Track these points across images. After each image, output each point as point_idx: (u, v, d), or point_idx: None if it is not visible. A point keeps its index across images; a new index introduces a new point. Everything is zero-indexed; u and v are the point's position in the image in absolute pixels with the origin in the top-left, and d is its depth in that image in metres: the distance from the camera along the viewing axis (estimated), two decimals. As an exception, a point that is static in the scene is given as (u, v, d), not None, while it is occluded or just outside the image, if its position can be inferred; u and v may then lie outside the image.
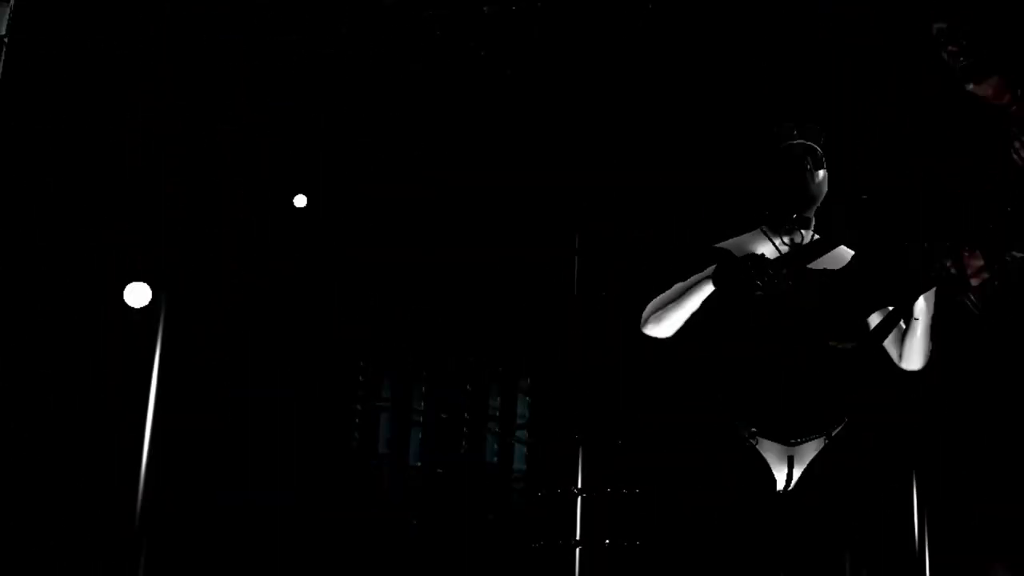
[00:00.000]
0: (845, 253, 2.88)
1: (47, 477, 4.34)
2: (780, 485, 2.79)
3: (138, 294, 4.42)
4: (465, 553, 5.71)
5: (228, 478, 4.90)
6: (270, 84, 5.04)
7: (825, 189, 2.90)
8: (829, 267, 2.82)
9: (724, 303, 2.80)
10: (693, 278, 2.87)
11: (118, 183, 4.58)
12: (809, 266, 2.81)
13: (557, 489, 5.58)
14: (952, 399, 4.70)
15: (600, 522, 5.53)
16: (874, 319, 2.86)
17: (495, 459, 6.12)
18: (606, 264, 5.92)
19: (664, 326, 2.92)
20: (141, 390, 4.49)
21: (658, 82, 5.09)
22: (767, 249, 2.86)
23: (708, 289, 2.81)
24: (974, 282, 2.24)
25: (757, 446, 2.77)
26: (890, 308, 2.74)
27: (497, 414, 6.20)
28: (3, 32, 3.85)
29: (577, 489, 5.61)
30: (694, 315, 2.87)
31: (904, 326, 2.84)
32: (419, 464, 5.87)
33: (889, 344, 2.89)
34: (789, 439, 2.75)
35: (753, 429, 2.77)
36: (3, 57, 3.84)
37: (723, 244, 2.91)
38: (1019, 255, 2.15)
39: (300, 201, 5.32)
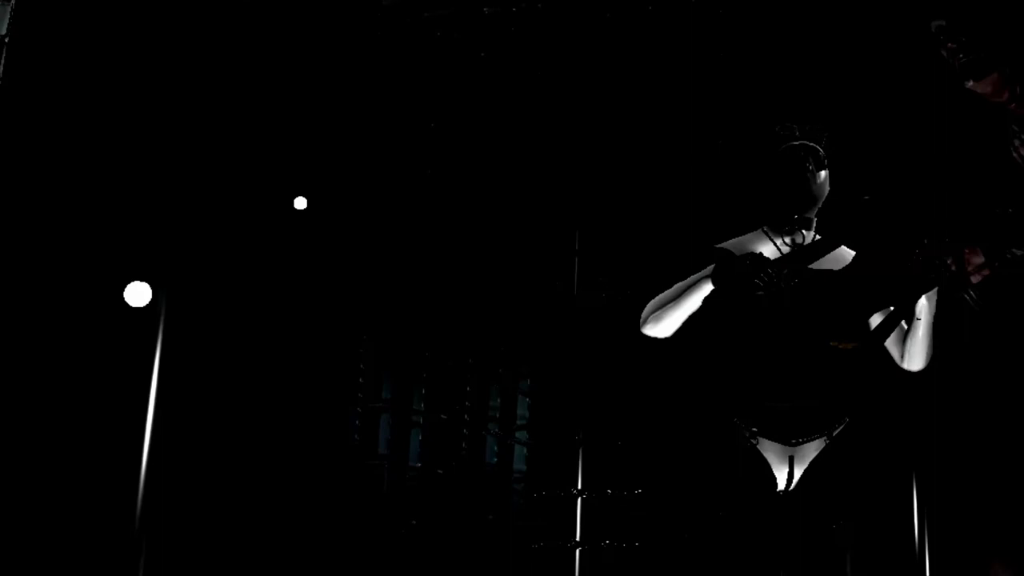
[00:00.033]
0: (846, 254, 2.88)
1: (47, 477, 4.33)
2: (781, 485, 2.79)
3: (138, 294, 4.43)
4: (465, 553, 5.71)
5: (228, 478, 4.90)
6: (270, 84, 5.04)
7: (827, 190, 2.91)
8: (830, 267, 2.82)
9: (724, 303, 2.80)
10: (692, 278, 2.87)
11: (119, 182, 4.58)
12: (810, 266, 2.81)
13: (560, 492, 5.58)
14: (952, 399, 4.70)
15: (600, 522, 5.53)
16: (875, 319, 2.86)
17: (495, 460, 6.12)
18: (606, 264, 5.92)
19: (663, 326, 2.92)
20: (141, 390, 4.49)
21: (659, 82, 5.09)
22: (768, 249, 2.87)
23: (707, 289, 2.81)
24: (974, 279, 2.25)
25: (758, 446, 2.77)
26: (891, 308, 2.74)
27: (497, 415, 6.20)
28: (4, 31, 3.86)
29: (577, 490, 5.61)
30: (696, 315, 2.88)
31: (906, 326, 2.85)
32: (419, 465, 5.87)
33: (891, 344, 2.89)
34: (790, 439, 2.76)
35: (754, 429, 2.77)
36: (4, 56, 3.84)
37: (724, 244, 2.92)
38: (1019, 252, 2.15)
39: (300, 203, 5.32)
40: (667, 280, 2.92)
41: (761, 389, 2.77)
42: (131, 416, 4.46)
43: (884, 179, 4.93)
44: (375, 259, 5.68)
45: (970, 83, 2.14)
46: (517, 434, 6.25)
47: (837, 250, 2.88)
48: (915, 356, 2.86)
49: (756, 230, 2.95)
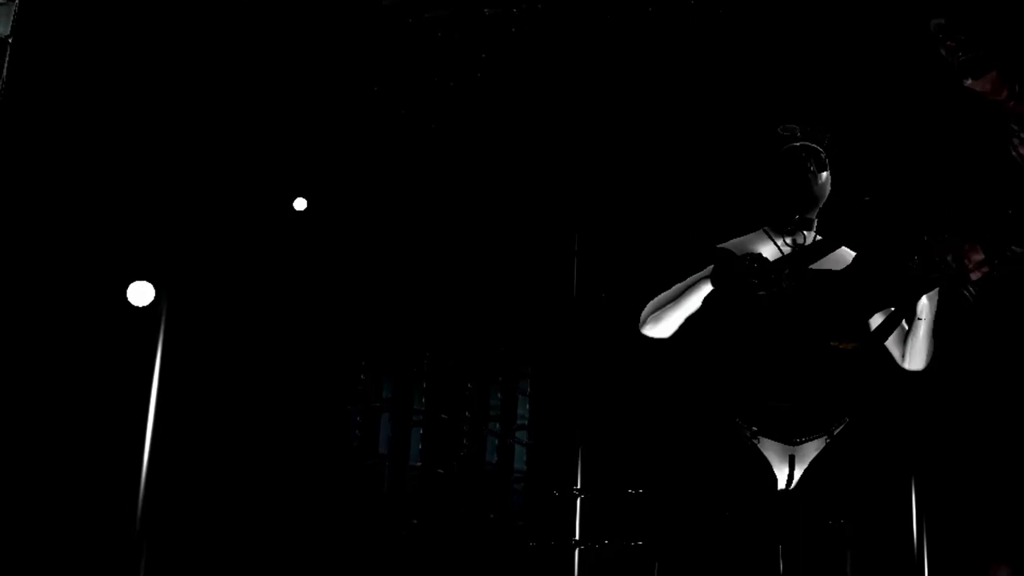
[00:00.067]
0: (847, 254, 2.89)
1: (47, 477, 4.34)
2: (781, 484, 2.80)
3: (141, 293, 4.43)
4: (465, 553, 5.71)
5: (228, 478, 4.90)
6: (271, 85, 5.04)
7: (828, 190, 2.92)
8: (831, 268, 2.83)
9: (724, 303, 2.81)
10: (691, 278, 2.88)
11: (121, 182, 4.58)
12: (811, 267, 2.82)
13: (560, 491, 5.59)
14: (952, 399, 4.71)
15: (600, 522, 5.54)
16: (876, 319, 2.87)
17: (495, 459, 6.11)
18: (605, 265, 5.93)
19: (662, 326, 2.93)
20: (142, 389, 4.49)
21: (659, 83, 5.09)
22: (769, 250, 2.87)
23: (706, 289, 2.82)
24: (974, 276, 2.26)
25: (759, 445, 2.78)
26: (892, 309, 2.75)
27: (497, 414, 6.20)
28: (7, 32, 3.87)
29: (577, 489, 5.62)
30: (697, 314, 2.88)
31: (907, 327, 2.86)
32: (419, 464, 5.86)
33: (892, 344, 2.90)
34: (791, 438, 2.76)
35: (755, 428, 2.78)
36: (7, 57, 3.85)
37: (725, 244, 2.92)
38: (1019, 250, 2.16)
39: (300, 204, 5.33)
40: (667, 280, 2.93)
41: (762, 388, 2.77)
42: (132, 415, 4.46)
43: (885, 180, 4.94)
44: (376, 259, 5.68)
45: (969, 81, 2.15)
46: (517, 434, 6.25)
47: (838, 251, 2.89)
48: (916, 356, 2.87)
49: (757, 230, 2.96)
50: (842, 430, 2.79)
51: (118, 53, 4.47)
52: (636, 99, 5.24)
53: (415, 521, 5.63)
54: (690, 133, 5.25)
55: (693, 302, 2.86)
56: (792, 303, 2.74)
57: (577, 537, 5.53)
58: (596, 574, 5.47)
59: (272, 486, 5.08)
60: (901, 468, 5.16)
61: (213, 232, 4.95)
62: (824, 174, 2.90)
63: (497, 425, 6.15)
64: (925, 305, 2.78)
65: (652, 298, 2.96)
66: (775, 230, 2.92)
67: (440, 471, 5.81)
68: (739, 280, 2.68)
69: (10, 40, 3.82)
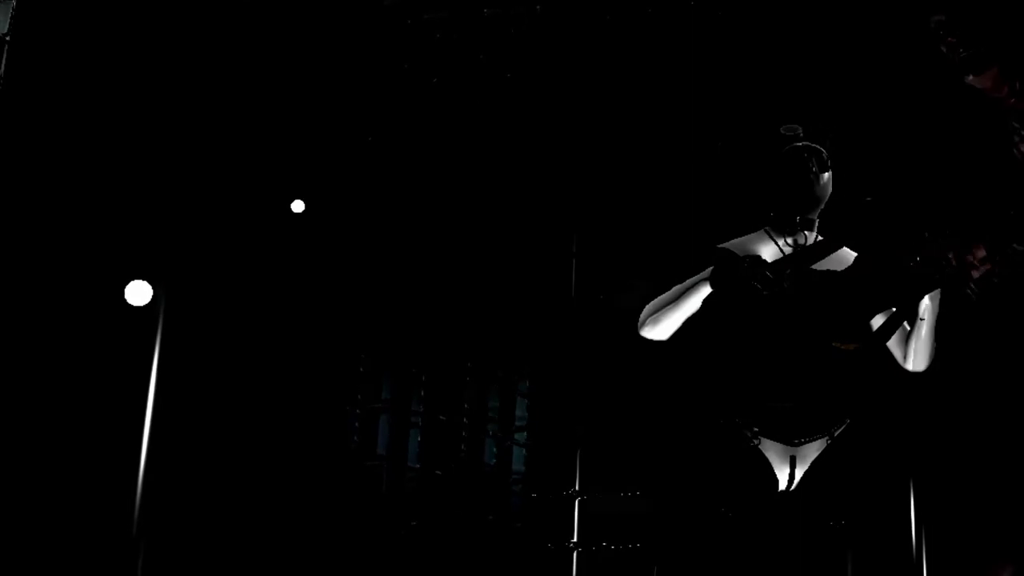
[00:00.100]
0: (849, 254, 2.89)
1: (46, 477, 4.33)
2: (782, 485, 2.79)
3: (139, 292, 4.43)
4: (464, 554, 5.70)
5: (226, 479, 4.89)
6: (271, 85, 5.04)
7: (830, 191, 2.91)
8: (833, 268, 2.83)
9: (724, 304, 2.81)
10: (691, 279, 2.88)
11: (119, 181, 4.58)
12: (813, 267, 2.82)
13: (559, 493, 5.58)
14: (952, 399, 4.70)
15: (598, 523, 5.53)
16: (878, 320, 2.87)
17: (494, 461, 6.11)
18: (604, 266, 5.92)
19: (661, 328, 2.93)
20: (140, 389, 4.48)
21: (659, 84, 5.10)
22: (771, 250, 2.87)
23: (706, 291, 2.82)
24: (975, 274, 2.25)
25: (759, 446, 2.77)
26: (893, 309, 2.74)
27: (496, 416, 6.19)
28: (5, 31, 3.86)
29: (575, 491, 5.61)
30: (697, 315, 2.88)
31: (908, 327, 2.85)
32: (418, 466, 5.85)
33: (893, 345, 2.89)
34: (792, 439, 2.76)
35: (755, 429, 2.77)
36: (5, 56, 3.85)
37: (726, 244, 2.92)
38: (1021, 249, 2.16)
39: (298, 206, 5.32)
40: (667, 281, 2.92)
41: (763, 389, 2.77)
42: (130, 415, 4.46)
43: (886, 180, 4.94)
44: (374, 260, 5.68)
45: (970, 78, 2.14)
46: (516, 435, 6.24)
47: (839, 251, 2.88)
48: (918, 357, 2.86)
49: (758, 231, 2.95)
50: (843, 431, 2.78)
51: (117, 52, 4.47)
52: (636, 100, 5.24)
53: (413, 523, 5.62)
54: (690, 134, 5.25)
55: (692, 304, 2.86)
56: (793, 304, 2.74)
57: (575, 539, 5.53)
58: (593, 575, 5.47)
59: (270, 487, 5.07)
60: (901, 469, 5.16)
61: (211, 232, 4.95)
62: (826, 174, 2.89)
63: (496, 427, 6.14)
64: (927, 305, 2.78)
65: (651, 299, 2.96)
66: (776, 230, 2.92)
67: (438, 472, 5.80)
68: (740, 281, 2.67)
69: (8, 38, 3.82)
